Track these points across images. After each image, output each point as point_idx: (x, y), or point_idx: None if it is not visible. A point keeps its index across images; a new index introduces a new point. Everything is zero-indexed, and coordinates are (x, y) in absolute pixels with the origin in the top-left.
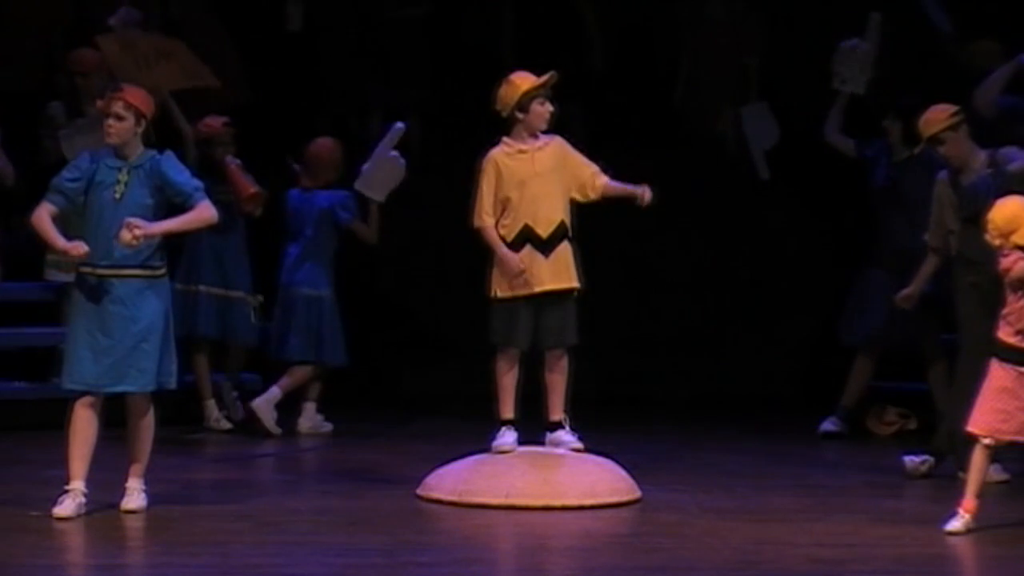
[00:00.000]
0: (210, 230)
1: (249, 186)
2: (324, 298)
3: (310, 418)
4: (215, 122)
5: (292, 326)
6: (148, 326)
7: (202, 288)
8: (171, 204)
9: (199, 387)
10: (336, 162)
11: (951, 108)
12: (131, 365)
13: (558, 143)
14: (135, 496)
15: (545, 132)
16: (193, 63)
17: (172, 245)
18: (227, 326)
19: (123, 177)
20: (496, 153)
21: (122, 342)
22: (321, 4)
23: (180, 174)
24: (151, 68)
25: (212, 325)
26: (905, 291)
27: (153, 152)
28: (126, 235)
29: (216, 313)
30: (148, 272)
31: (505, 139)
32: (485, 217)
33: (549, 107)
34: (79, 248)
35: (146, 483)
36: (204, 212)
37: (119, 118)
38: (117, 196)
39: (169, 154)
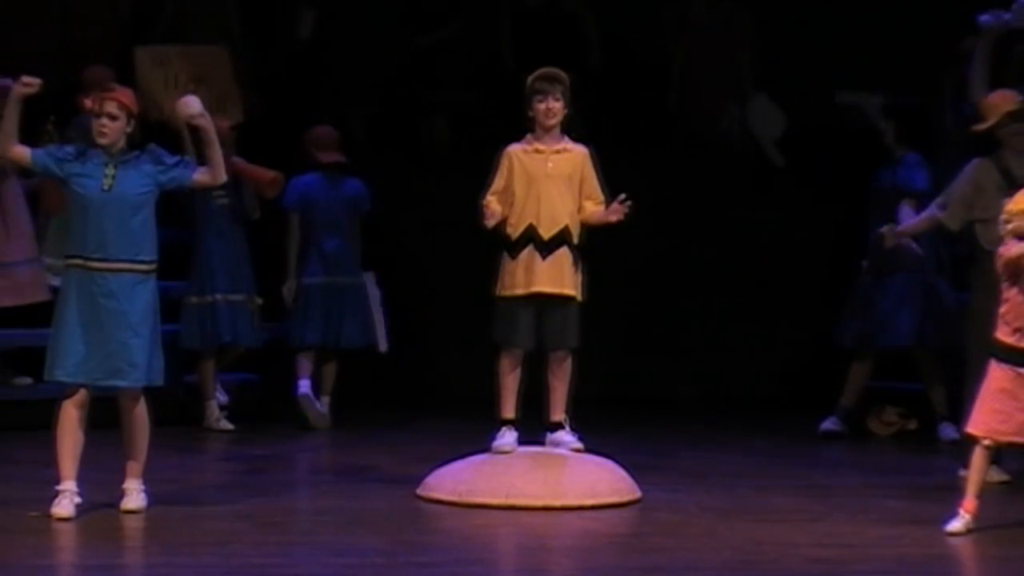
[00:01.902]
0: (216, 237)
1: (265, 172)
2: (363, 284)
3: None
4: (219, 124)
5: (347, 316)
6: (139, 321)
7: (219, 297)
8: (161, 193)
9: (202, 388)
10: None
11: (1013, 92)
12: (123, 360)
13: (581, 153)
14: (134, 496)
15: (575, 139)
16: (226, 91)
17: (180, 251)
18: (235, 329)
19: (110, 171)
20: (514, 148)
21: (113, 336)
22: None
23: (172, 156)
24: (179, 92)
25: (229, 331)
26: (887, 227)
27: (136, 152)
28: (196, 103)
29: (229, 318)
30: (140, 267)
31: (528, 135)
32: (488, 196)
33: (550, 104)
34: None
35: (145, 483)
36: (204, 171)
37: (113, 118)
38: (106, 187)
39: (153, 145)
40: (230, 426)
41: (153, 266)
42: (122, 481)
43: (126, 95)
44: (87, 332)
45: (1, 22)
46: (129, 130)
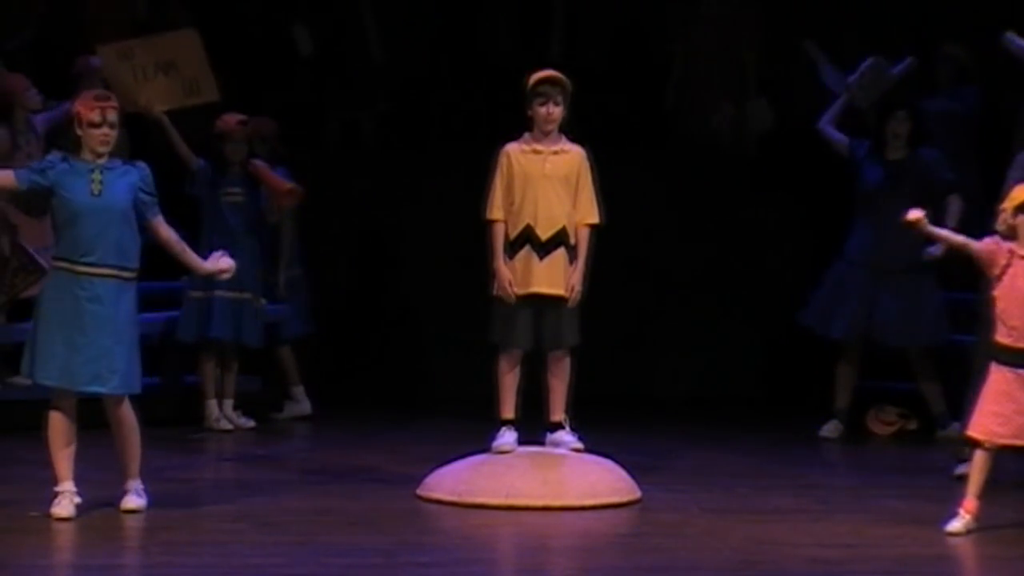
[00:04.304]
0: (223, 234)
1: (283, 182)
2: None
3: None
4: (230, 119)
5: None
6: (123, 327)
7: (218, 293)
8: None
9: (202, 387)
10: None
11: None
12: (104, 366)
13: (578, 155)
14: (134, 497)
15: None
16: (197, 73)
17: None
18: (238, 327)
19: (97, 177)
20: (511, 147)
21: (96, 341)
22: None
23: (153, 192)
24: (148, 82)
25: (227, 328)
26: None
27: (119, 161)
28: (228, 265)
29: (231, 316)
30: (126, 273)
31: (526, 135)
32: (496, 211)
33: (550, 109)
34: None
35: (145, 482)
36: (167, 227)
37: (113, 126)
38: (95, 192)
39: (144, 165)
40: (230, 426)
41: (136, 274)
42: (122, 482)
43: (117, 100)
44: (69, 336)
45: (12, 23)
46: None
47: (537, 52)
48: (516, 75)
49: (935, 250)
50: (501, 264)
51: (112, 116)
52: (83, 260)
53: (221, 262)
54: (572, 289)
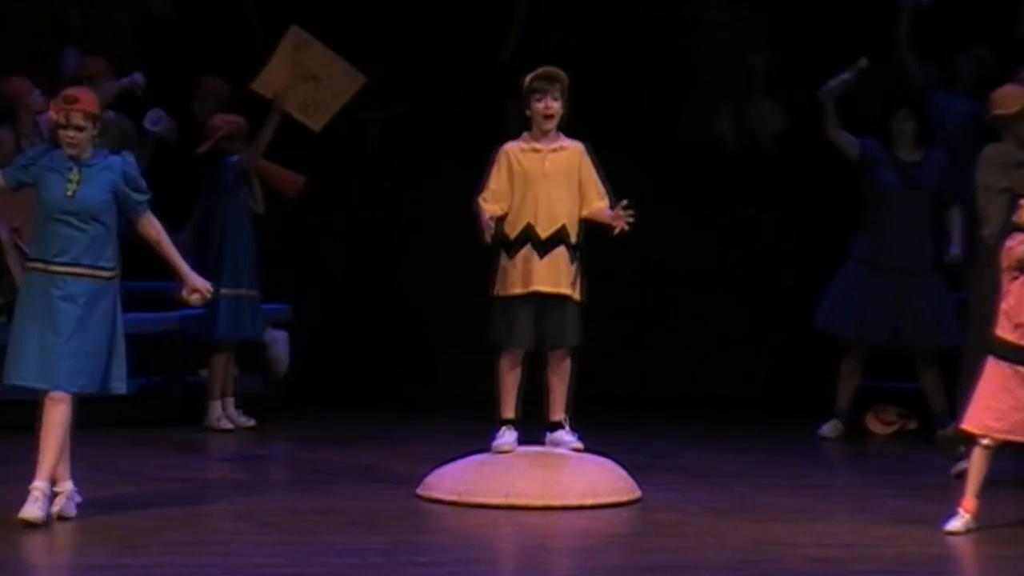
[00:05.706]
0: (242, 232)
1: (289, 172)
2: None
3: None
4: (236, 119)
5: None
6: (95, 327)
7: (242, 292)
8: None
9: (210, 386)
10: None
11: None
12: (75, 365)
13: (577, 150)
14: (63, 500)
15: (570, 136)
16: (327, 103)
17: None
18: (256, 325)
19: (75, 176)
20: (510, 146)
21: (70, 341)
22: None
23: (141, 179)
24: (292, 80)
25: (256, 327)
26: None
27: (104, 152)
28: (198, 299)
29: (255, 314)
30: (101, 273)
31: (525, 134)
32: (482, 202)
33: (548, 104)
34: None
35: (144, 482)
36: (156, 225)
37: (79, 129)
38: (69, 193)
39: (129, 155)
40: (230, 426)
41: (114, 273)
42: (112, 481)
43: (89, 101)
44: (43, 335)
45: (18, 20)
46: (94, 134)
47: (538, 54)
48: (517, 76)
49: (956, 250)
50: (485, 205)
51: (77, 119)
52: (57, 260)
53: (202, 284)
54: (621, 219)
